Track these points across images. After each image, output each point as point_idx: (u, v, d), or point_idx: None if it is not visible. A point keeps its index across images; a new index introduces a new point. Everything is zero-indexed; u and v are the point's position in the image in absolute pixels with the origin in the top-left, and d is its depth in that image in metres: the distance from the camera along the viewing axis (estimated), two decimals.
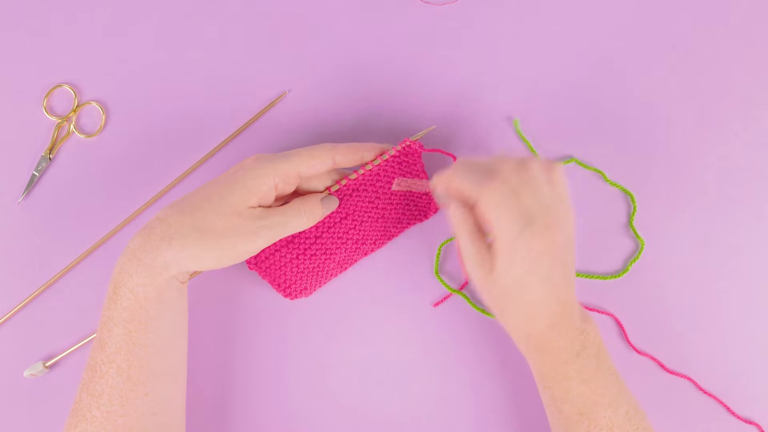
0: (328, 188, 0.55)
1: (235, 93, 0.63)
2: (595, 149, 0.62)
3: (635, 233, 0.61)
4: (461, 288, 0.60)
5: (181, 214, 0.49)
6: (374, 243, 0.59)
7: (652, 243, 0.61)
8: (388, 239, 0.60)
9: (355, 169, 0.55)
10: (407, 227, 0.61)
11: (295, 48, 0.64)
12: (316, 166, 0.52)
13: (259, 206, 0.51)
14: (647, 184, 0.62)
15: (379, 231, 0.59)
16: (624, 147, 0.62)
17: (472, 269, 0.51)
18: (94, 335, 0.58)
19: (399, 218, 0.59)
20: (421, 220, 0.61)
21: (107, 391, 0.49)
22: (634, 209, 0.61)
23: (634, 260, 0.60)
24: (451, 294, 0.60)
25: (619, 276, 0.60)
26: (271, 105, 0.63)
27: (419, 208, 0.60)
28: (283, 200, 0.55)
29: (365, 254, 0.60)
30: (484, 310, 0.59)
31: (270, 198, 0.51)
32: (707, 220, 0.62)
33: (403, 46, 0.64)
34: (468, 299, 0.60)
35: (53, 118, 0.63)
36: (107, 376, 0.49)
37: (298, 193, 0.55)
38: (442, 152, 0.59)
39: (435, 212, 0.61)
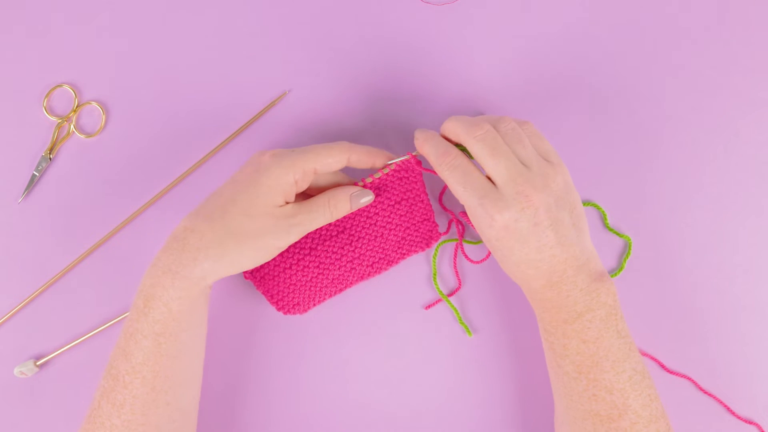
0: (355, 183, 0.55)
1: (235, 93, 0.63)
2: (595, 149, 0.62)
3: (617, 233, 0.61)
4: (450, 295, 0.60)
5: (210, 222, 0.49)
6: (371, 266, 0.57)
7: (652, 242, 0.61)
8: (387, 264, 0.58)
9: (356, 181, 0.55)
10: (408, 255, 0.58)
11: (295, 48, 0.64)
12: (332, 164, 0.52)
13: (286, 202, 0.51)
14: (647, 183, 0.62)
15: (378, 253, 0.57)
16: (622, 146, 0.62)
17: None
18: (87, 336, 0.59)
19: (399, 243, 0.58)
20: (422, 249, 0.59)
21: (129, 401, 0.48)
22: (604, 215, 0.61)
23: (627, 257, 0.60)
24: (441, 299, 0.60)
25: (615, 275, 0.60)
26: (271, 105, 0.63)
27: (420, 233, 0.58)
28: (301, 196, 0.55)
29: (361, 278, 0.58)
30: (467, 327, 0.59)
31: (292, 194, 0.52)
32: (707, 220, 0.61)
33: (403, 46, 0.64)
34: (455, 310, 0.60)
35: (53, 118, 0.63)
36: (131, 387, 0.48)
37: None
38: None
39: (437, 240, 0.58)
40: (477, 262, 0.60)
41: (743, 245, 0.61)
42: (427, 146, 0.52)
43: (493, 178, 0.49)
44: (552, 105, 0.63)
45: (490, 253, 0.60)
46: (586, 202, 0.61)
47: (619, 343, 0.50)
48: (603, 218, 0.61)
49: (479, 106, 0.63)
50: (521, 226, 0.48)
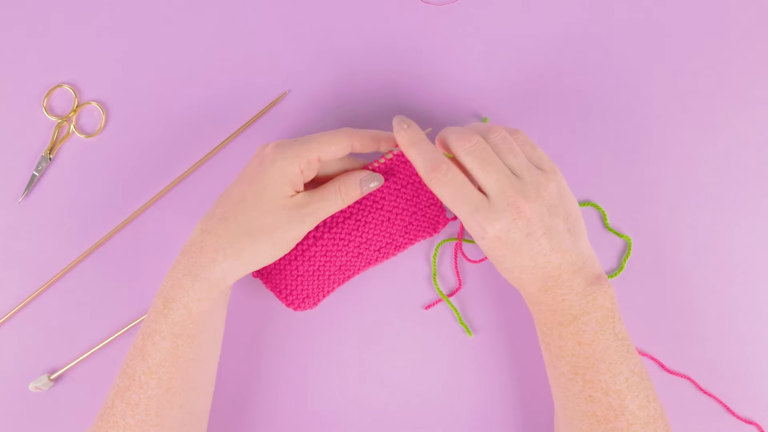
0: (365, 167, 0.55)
1: (235, 93, 0.63)
2: (595, 149, 0.62)
3: (617, 233, 0.61)
4: (450, 295, 0.60)
5: (225, 222, 0.49)
6: (378, 251, 0.57)
7: (651, 242, 0.61)
8: (395, 249, 0.58)
9: (366, 165, 0.55)
10: (415, 241, 0.58)
11: (295, 48, 0.64)
12: (336, 151, 0.52)
13: (296, 192, 0.51)
14: (646, 183, 0.62)
15: (385, 238, 0.57)
16: (622, 147, 0.62)
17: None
18: (99, 346, 0.59)
19: (406, 228, 0.57)
20: (430, 234, 0.58)
21: (144, 401, 0.49)
22: (604, 215, 0.61)
23: (627, 257, 0.60)
24: (441, 299, 0.60)
25: (615, 275, 0.60)
26: (271, 105, 0.63)
27: (428, 218, 0.58)
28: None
29: (369, 263, 0.58)
30: (467, 327, 0.60)
31: (300, 183, 0.52)
32: (707, 220, 0.61)
33: (403, 46, 0.64)
34: (455, 310, 0.60)
35: (53, 118, 0.63)
36: (146, 387, 0.49)
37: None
38: None
39: (444, 225, 0.58)
40: (476, 262, 0.60)
41: (743, 245, 0.61)
42: (413, 152, 0.51)
43: (484, 190, 0.49)
44: (552, 105, 0.63)
45: None
46: (586, 202, 0.62)
47: (616, 346, 0.50)
48: (603, 218, 0.61)
49: (479, 106, 0.63)
50: (513, 236, 0.48)
